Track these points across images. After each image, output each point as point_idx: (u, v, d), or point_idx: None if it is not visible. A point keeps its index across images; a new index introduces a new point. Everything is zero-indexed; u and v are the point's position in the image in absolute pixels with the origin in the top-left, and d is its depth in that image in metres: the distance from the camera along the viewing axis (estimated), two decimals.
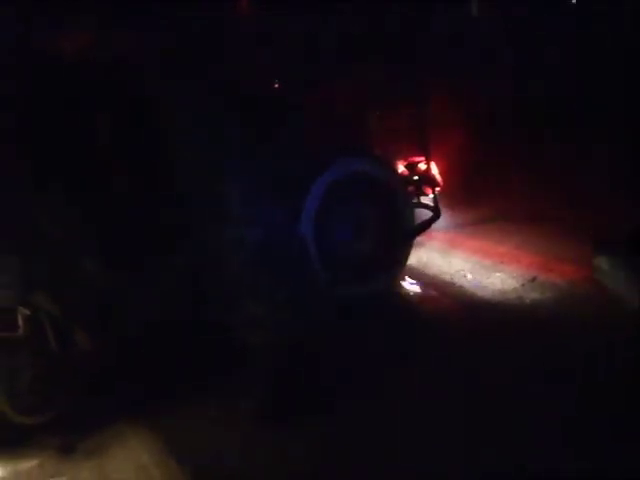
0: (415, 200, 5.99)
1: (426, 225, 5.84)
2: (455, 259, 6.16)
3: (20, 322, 4.10)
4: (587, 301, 5.12)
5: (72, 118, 4.43)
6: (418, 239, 5.93)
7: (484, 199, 6.84)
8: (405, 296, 5.62)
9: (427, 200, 6.03)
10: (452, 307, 5.36)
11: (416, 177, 6.11)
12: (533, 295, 5.34)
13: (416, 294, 5.65)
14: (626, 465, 3.24)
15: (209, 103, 4.80)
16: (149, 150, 4.69)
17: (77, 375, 4.27)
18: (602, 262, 5.04)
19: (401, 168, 6.13)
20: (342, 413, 4.02)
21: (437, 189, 6.05)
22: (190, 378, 4.41)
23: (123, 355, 4.36)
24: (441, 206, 5.96)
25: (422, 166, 6.14)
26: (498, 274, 5.75)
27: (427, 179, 6.08)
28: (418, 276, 5.86)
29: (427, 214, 5.90)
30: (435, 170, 6.11)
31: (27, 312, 4.09)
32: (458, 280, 5.74)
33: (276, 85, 5.88)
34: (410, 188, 5.99)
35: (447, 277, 5.83)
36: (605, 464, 3.26)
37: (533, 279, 5.58)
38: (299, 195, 5.23)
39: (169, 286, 4.62)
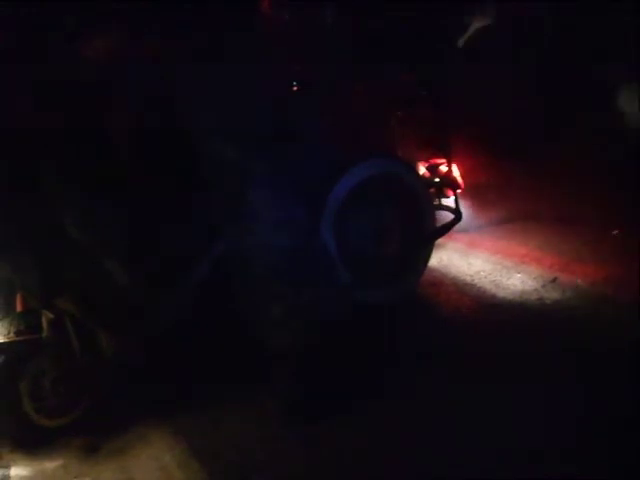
0: (436, 202, 5.98)
1: (447, 227, 5.82)
2: (475, 260, 6.14)
3: (44, 324, 4.16)
4: (608, 302, 5.09)
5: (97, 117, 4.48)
6: (439, 240, 5.92)
7: (505, 200, 6.80)
8: (425, 297, 5.62)
9: (448, 202, 6.01)
10: (472, 307, 5.33)
11: (437, 179, 6.12)
12: (554, 296, 5.31)
13: (436, 295, 5.64)
14: None
15: (235, 104, 4.83)
16: (175, 152, 4.72)
17: (101, 377, 4.32)
18: None
19: (422, 170, 6.15)
20: (359, 414, 4.08)
21: (458, 191, 6.03)
22: (214, 380, 4.47)
23: (147, 357, 4.42)
24: (462, 208, 5.95)
25: (443, 168, 6.14)
26: (519, 275, 5.72)
27: (448, 181, 6.07)
28: (439, 277, 5.87)
29: (448, 216, 5.90)
30: (456, 172, 6.10)
31: (51, 315, 4.15)
32: (478, 281, 5.73)
33: (296, 86, 5.88)
34: (432, 190, 5.98)
35: (467, 278, 5.81)
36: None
37: (554, 280, 5.55)
38: (321, 198, 5.23)
39: (195, 289, 4.66)
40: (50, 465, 3.93)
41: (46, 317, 4.19)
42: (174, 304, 4.59)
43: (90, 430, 4.15)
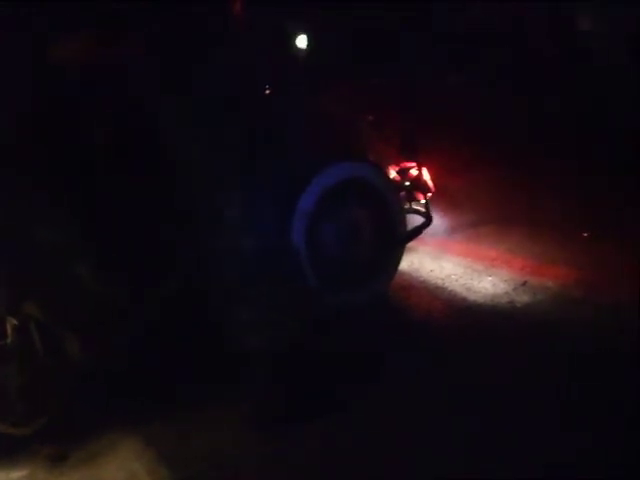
0: (407, 206, 6.00)
1: (418, 231, 5.85)
2: (447, 263, 6.14)
3: (9, 331, 4.10)
4: (578, 304, 5.12)
5: (67, 124, 4.44)
6: (410, 244, 5.93)
7: (476, 203, 6.84)
8: (396, 301, 5.62)
9: (419, 206, 6.04)
10: (443, 311, 5.35)
11: (408, 183, 6.13)
12: (524, 299, 5.34)
13: (407, 298, 5.64)
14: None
15: (204, 108, 4.82)
16: (143, 154, 4.69)
17: (67, 384, 4.26)
18: None
19: (393, 173, 6.15)
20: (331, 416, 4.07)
21: (429, 195, 6.05)
22: (184, 385, 4.43)
23: (115, 362, 4.37)
24: (433, 211, 5.98)
25: (414, 172, 6.15)
26: (490, 278, 5.75)
27: (419, 185, 6.09)
28: (410, 281, 5.87)
29: (419, 220, 5.91)
30: (427, 176, 6.11)
31: (15, 321, 4.09)
32: (449, 284, 5.73)
33: (268, 90, 5.87)
34: (402, 194, 5.99)
35: (438, 281, 5.82)
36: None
37: (524, 283, 5.58)
38: (291, 202, 5.21)
39: (164, 293, 4.64)
40: (16, 474, 3.86)
41: (10, 323, 4.12)
42: (145, 309, 4.56)
43: (58, 438, 4.07)
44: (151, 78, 4.81)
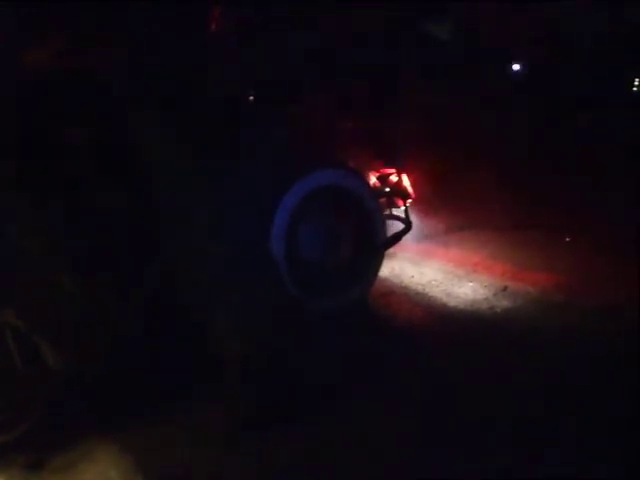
0: (387, 212, 6.01)
1: (398, 237, 5.84)
2: (427, 269, 6.16)
3: None
4: (559, 309, 5.15)
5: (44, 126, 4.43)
6: (391, 250, 5.94)
7: (457, 208, 6.87)
8: (377, 307, 5.61)
9: (399, 212, 6.05)
10: (423, 317, 5.34)
11: (388, 189, 6.14)
12: (504, 304, 5.37)
13: (388, 305, 5.63)
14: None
15: (177, 115, 4.81)
16: (122, 154, 4.67)
17: (45, 393, 4.23)
18: None
19: (373, 179, 6.16)
20: (311, 423, 4.04)
21: (409, 201, 6.06)
22: (163, 394, 4.40)
23: (94, 369, 4.35)
24: (413, 217, 5.99)
25: (394, 178, 6.16)
26: (470, 284, 5.78)
27: (399, 191, 6.11)
28: (390, 287, 5.88)
29: (399, 226, 5.92)
30: (407, 182, 6.13)
31: None
32: (430, 290, 5.75)
33: (248, 98, 5.87)
34: (382, 200, 5.99)
35: (419, 287, 5.83)
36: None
37: (505, 288, 5.61)
38: (269, 209, 5.21)
39: (142, 300, 4.62)
40: None
41: None
42: (126, 317, 4.54)
43: (34, 446, 4.00)
44: (133, 79, 4.81)
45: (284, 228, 5.22)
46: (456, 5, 7.57)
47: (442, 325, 5.17)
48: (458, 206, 6.87)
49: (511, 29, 8.02)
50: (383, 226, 5.75)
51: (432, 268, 6.19)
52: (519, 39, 8.25)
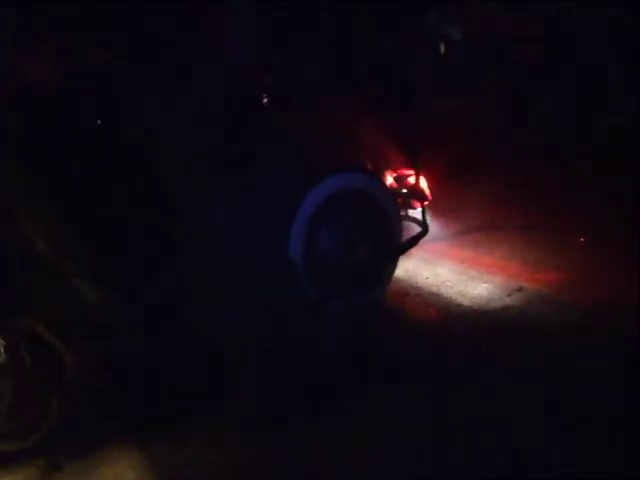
0: (403, 214, 6.06)
1: (414, 241, 5.89)
2: (442, 270, 6.20)
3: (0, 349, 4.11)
4: (573, 309, 5.19)
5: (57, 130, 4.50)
6: None
7: (472, 209, 6.87)
8: (391, 308, 5.67)
9: (415, 214, 6.11)
10: (438, 318, 5.40)
11: (405, 190, 6.18)
12: (519, 304, 5.40)
13: (402, 305, 5.69)
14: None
15: (194, 118, 4.85)
16: (136, 164, 4.73)
17: (61, 400, 4.23)
18: None
19: (390, 180, 6.19)
20: (326, 423, 4.12)
21: (426, 203, 6.11)
22: (180, 396, 4.45)
23: (111, 376, 4.40)
24: (429, 218, 6.04)
25: (411, 179, 6.21)
26: (485, 284, 5.81)
27: (416, 192, 6.15)
28: (405, 287, 5.91)
29: (415, 228, 5.98)
30: (424, 184, 6.16)
31: (4, 341, 4.05)
32: (445, 291, 5.79)
33: (265, 99, 5.91)
34: (398, 202, 6.04)
35: (434, 288, 5.87)
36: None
37: (520, 289, 5.64)
38: (289, 212, 5.26)
39: (159, 302, 4.66)
40: None
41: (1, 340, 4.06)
42: (142, 320, 4.57)
43: (53, 449, 4.05)
44: (145, 81, 4.85)
45: (303, 230, 5.26)
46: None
47: (457, 325, 5.22)
48: (472, 207, 6.88)
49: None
50: (400, 229, 5.80)
51: (447, 269, 6.22)
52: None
